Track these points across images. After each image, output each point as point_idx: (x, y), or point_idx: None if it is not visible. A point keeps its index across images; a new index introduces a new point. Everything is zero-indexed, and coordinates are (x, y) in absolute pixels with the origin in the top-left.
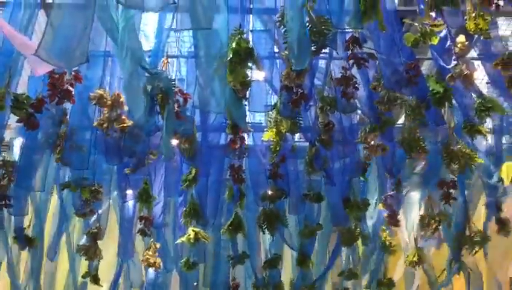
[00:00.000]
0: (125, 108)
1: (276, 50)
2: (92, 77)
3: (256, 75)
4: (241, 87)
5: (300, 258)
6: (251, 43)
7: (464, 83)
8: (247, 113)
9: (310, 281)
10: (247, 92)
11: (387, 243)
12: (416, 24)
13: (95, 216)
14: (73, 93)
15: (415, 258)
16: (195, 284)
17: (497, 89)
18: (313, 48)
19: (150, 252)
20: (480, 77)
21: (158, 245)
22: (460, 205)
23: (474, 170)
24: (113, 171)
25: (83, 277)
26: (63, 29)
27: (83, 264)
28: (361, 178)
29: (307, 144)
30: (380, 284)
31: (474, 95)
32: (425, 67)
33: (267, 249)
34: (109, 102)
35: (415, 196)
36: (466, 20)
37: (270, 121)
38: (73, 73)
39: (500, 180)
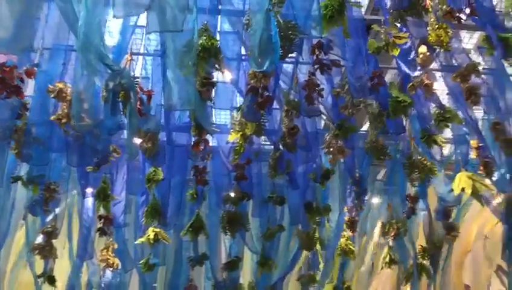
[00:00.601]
0: (86, 106)
1: (243, 52)
2: (53, 70)
3: (223, 76)
4: (205, 87)
5: (262, 261)
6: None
7: (424, 92)
8: (213, 114)
9: (270, 283)
10: (213, 93)
11: (348, 247)
12: (382, 31)
13: (51, 215)
14: (23, 88)
15: (387, 259)
16: (154, 285)
17: (456, 101)
18: (280, 52)
19: (109, 252)
20: (442, 88)
21: (115, 245)
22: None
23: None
24: (73, 168)
25: (39, 277)
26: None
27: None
28: (322, 184)
29: (272, 147)
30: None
31: (433, 105)
32: (390, 76)
33: (228, 252)
34: (69, 97)
35: (376, 202)
36: (429, 31)
37: (235, 123)
38: (25, 68)
39: (452, 190)
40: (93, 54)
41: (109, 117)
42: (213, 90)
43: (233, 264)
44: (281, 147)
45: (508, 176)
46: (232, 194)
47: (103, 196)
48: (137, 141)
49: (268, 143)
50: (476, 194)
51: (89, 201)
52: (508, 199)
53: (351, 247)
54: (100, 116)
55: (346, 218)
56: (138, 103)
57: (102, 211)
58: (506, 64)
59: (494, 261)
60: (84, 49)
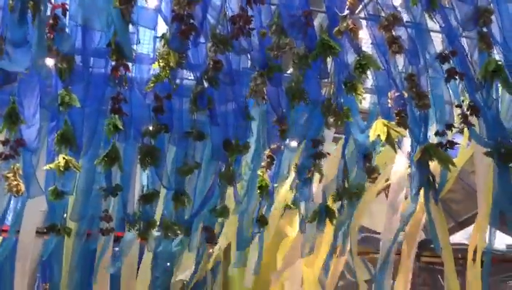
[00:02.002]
0: None
1: None
2: None
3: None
4: (124, 5)
5: (175, 196)
6: None
7: (349, 37)
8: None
9: (184, 218)
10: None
11: (264, 183)
12: None
13: None
14: None
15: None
16: (64, 215)
17: (378, 50)
18: None
19: (16, 177)
20: (366, 38)
21: (20, 171)
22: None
23: (348, 126)
24: None
25: None
26: None
27: None
28: (244, 122)
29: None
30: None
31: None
32: (319, 20)
33: (143, 185)
34: None
35: (293, 145)
36: None
37: (158, 53)
38: None
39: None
40: None
41: (15, 27)
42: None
43: (149, 197)
44: (204, 82)
45: (422, 127)
46: (151, 127)
47: (14, 118)
48: (50, 61)
49: (192, 78)
50: (390, 140)
51: None
52: (423, 150)
53: (267, 183)
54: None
55: (264, 156)
56: (52, 18)
57: (7, 135)
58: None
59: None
60: None
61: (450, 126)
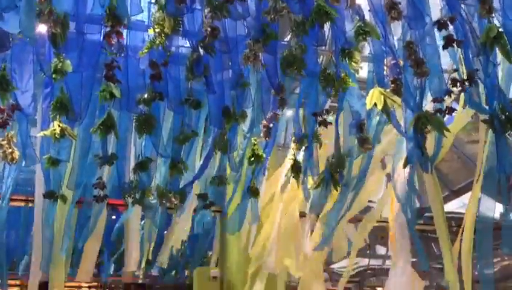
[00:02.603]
0: None
1: None
2: None
3: None
4: None
5: (172, 164)
6: None
7: (347, 2)
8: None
9: (178, 186)
10: None
11: (257, 153)
12: None
13: None
14: None
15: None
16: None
17: (376, 17)
18: None
19: (10, 144)
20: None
21: (15, 139)
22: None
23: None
24: None
25: None
26: None
27: None
28: (241, 90)
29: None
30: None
31: (356, 18)
32: None
33: (139, 153)
34: None
35: (289, 114)
36: None
37: (153, 19)
38: None
39: (365, 104)
40: None
41: None
42: None
43: (144, 164)
44: (200, 49)
45: (417, 96)
46: (146, 95)
47: (5, 85)
48: (43, 27)
49: (188, 46)
50: (386, 109)
51: None
52: (417, 118)
53: (260, 152)
54: None
55: (261, 125)
56: None
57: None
58: None
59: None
60: None
61: (447, 93)
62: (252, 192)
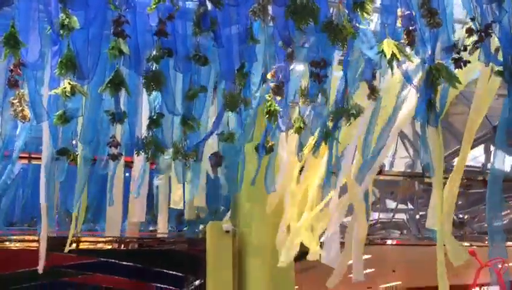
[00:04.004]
0: None
1: None
2: None
3: None
4: None
5: (183, 120)
6: None
7: None
8: None
9: (192, 143)
10: None
11: (273, 108)
12: None
13: None
14: None
15: (301, 124)
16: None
17: None
18: None
19: (21, 103)
20: None
21: (26, 97)
22: (341, 81)
23: (356, 45)
24: None
25: None
26: None
27: None
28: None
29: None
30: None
31: None
32: None
33: (151, 110)
34: None
35: (300, 69)
36: None
37: None
38: None
39: (379, 53)
40: None
41: None
42: None
43: (156, 120)
44: (207, 2)
45: (429, 47)
46: (154, 52)
47: (13, 42)
48: None
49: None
50: (394, 58)
51: None
52: (429, 70)
53: (276, 108)
54: None
55: (272, 85)
56: None
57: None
58: None
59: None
60: None
61: (461, 44)
62: (267, 149)
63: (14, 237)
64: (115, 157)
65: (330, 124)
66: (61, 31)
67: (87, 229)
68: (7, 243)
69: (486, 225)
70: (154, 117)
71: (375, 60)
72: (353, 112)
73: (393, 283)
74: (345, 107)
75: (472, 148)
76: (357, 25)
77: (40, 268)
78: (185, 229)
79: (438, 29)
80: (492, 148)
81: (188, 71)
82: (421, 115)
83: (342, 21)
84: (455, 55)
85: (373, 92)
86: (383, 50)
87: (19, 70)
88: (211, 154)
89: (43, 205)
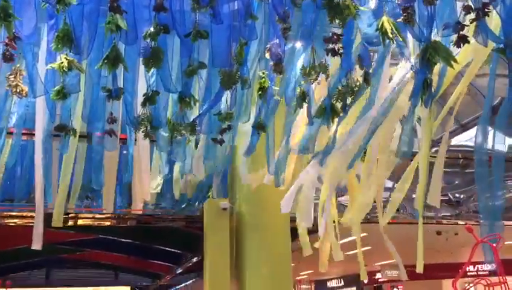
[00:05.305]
0: None
1: None
2: None
3: None
4: None
5: (180, 97)
6: None
7: None
8: None
9: (190, 120)
10: None
11: (266, 86)
12: None
13: None
14: None
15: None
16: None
17: None
18: None
19: (17, 78)
20: None
21: (24, 72)
22: (344, 58)
23: (355, 24)
24: None
25: None
26: None
27: None
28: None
29: None
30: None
31: None
32: None
33: (148, 86)
34: None
35: (298, 46)
36: None
37: None
38: None
39: (377, 29)
40: None
41: None
42: None
43: (152, 98)
44: None
45: (427, 26)
46: (152, 28)
47: (3, 15)
48: None
49: None
50: (390, 37)
51: None
52: (425, 48)
53: (266, 84)
54: None
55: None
56: None
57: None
58: None
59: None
60: None
61: (459, 22)
62: (259, 127)
63: (13, 213)
64: (112, 134)
65: (338, 104)
66: (58, 6)
67: (85, 206)
68: (6, 219)
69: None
70: (150, 94)
71: (372, 39)
72: (356, 88)
73: (389, 261)
74: (349, 85)
75: (470, 128)
76: (358, 6)
77: (38, 245)
78: (182, 206)
79: (434, 6)
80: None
81: (187, 48)
82: (414, 96)
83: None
84: (457, 34)
85: (366, 78)
86: (382, 26)
87: (14, 44)
88: None
89: (37, 181)
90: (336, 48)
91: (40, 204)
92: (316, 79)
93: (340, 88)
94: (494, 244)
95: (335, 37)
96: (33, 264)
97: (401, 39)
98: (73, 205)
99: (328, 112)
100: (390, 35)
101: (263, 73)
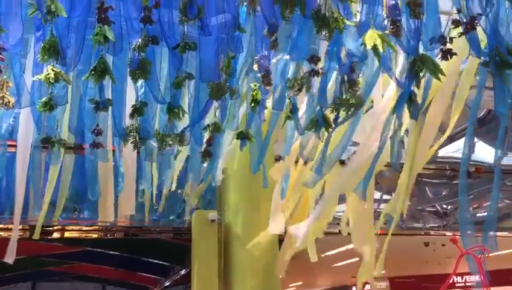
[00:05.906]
0: None
1: None
2: None
3: None
4: None
5: (168, 108)
6: None
7: None
8: None
9: (177, 130)
10: None
11: (258, 98)
12: None
13: None
14: None
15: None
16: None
17: None
18: None
19: (4, 90)
20: None
21: (11, 84)
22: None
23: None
24: None
25: None
26: None
27: None
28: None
29: None
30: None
31: None
32: None
33: (137, 97)
34: None
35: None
36: None
37: None
38: None
39: (362, 44)
40: None
41: None
42: None
43: (140, 109)
44: None
45: (414, 38)
46: (140, 40)
47: None
48: None
49: None
50: (377, 50)
51: None
52: (412, 61)
53: (259, 96)
54: None
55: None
56: None
57: None
58: None
59: None
60: None
61: (441, 38)
62: (244, 136)
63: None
64: (97, 146)
65: (331, 116)
66: (47, 16)
67: (72, 218)
68: None
69: (468, 216)
70: (138, 106)
71: (357, 53)
72: (353, 102)
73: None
74: (346, 98)
75: (456, 139)
76: (345, 20)
77: (10, 259)
78: (171, 218)
79: (421, 20)
80: (476, 140)
81: (175, 59)
82: (398, 108)
83: (331, 12)
84: (442, 47)
85: (352, 86)
86: (368, 42)
87: (0, 55)
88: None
89: (17, 194)
90: (316, 69)
91: (17, 217)
92: (300, 90)
93: (338, 101)
94: (479, 256)
95: (315, 58)
96: (19, 276)
97: (393, 50)
98: (58, 217)
99: (320, 124)
100: (381, 49)
101: (255, 85)
